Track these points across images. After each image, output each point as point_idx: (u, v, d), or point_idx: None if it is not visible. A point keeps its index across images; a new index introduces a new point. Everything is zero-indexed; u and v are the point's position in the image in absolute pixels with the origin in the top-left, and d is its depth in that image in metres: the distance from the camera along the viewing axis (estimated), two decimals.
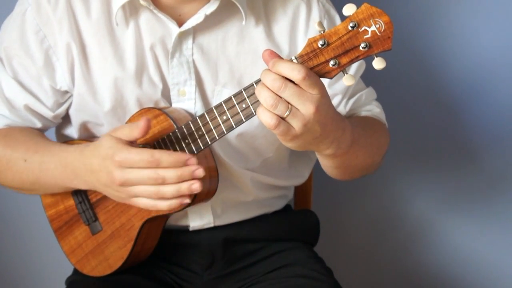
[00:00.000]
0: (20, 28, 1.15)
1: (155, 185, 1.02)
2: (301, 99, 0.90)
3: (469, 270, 1.73)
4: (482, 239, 1.71)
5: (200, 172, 1.00)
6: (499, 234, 1.70)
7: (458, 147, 1.66)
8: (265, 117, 0.91)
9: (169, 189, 1.02)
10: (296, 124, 0.92)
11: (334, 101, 1.19)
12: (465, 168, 1.67)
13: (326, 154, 1.01)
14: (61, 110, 1.20)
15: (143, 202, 1.05)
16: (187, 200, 1.03)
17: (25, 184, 1.18)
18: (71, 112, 1.21)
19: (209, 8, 1.10)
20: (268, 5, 1.15)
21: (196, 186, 1.01)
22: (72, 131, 1.25)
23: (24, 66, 1.16)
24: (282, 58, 0.92)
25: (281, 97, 0.90)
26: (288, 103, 0.91)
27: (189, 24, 1.11)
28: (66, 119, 1.24)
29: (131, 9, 1.13)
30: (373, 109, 1.24)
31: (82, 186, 1.12)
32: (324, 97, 0.92)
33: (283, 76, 0.91)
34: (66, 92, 1.18)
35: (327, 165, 1.10)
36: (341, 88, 1.18)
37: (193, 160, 1.00)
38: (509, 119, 1.62)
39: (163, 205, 1.04)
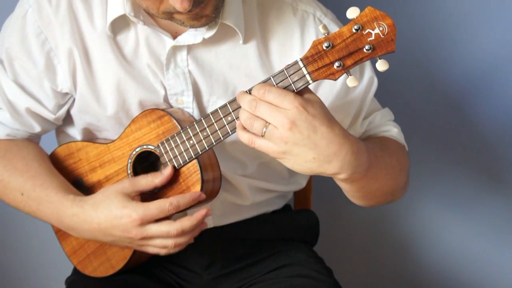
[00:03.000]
0: (21, 30, 1.14)
1: (172, 239, 1.07)
2: (274, 115, 0.91)
3: (467, 270, 1.74)
4: (481, 240, 1.72)
5: (209, 212, 1.08)
6: (498, 235, 1.71)
7: (457, 148, 1.66)
8: (241, 136, 0.96)
9: (184, 239, 1.08)
10: (275, 141, 0.93)
11: (346, 120, 1.17)
12: (465, 168, 1.68)
13: (339, 178, 0.98)
14: (62, 111, 1.20)
15: (154, 250, 1.10)
16: (192, 241, 1.11)
17: (22, 211, 1.19)
18: (73, 113, 1.20)
19: (208, 32, 1.09)
20: (262, 23, 1.14)
21: (205, 226, 1.10)
22: (74, 132, 1.25)
23: (25, 68, 1.16)
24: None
25: (257, 116, 0.92)
26: (266, 121, 0.92)
27: (184, 40, 1.10)
28: (68, 119, 1.23)
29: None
30: (391, 130, 1.20)
31: (77, 236, 1.15)
32: (303, 114, 0.91)
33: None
34: (66, 94, 1.18)
35: (346, 189, 1.06)
36: (350, 103, 1.16)
37: (203, 195, 1.07)
38: (510, 120, 1.62)
39: (175, 250, 1.09)
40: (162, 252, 1.09)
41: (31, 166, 1.17)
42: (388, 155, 1.09)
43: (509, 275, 1.73)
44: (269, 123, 0.92)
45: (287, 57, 1.13)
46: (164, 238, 1.07)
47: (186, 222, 1.06)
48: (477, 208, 1.70)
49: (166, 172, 1.08)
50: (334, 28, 1.15)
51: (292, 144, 0.92)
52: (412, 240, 1.74)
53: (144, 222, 1.06)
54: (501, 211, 1.69)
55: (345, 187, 1.05)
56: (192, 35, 1.10)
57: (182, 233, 1.06)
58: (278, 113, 0.91)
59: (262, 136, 0.93)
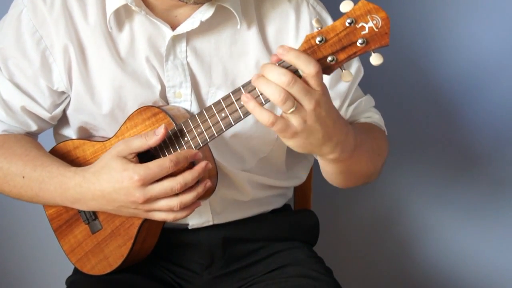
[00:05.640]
0: (16, 30, 1.14)
1: (176, 197, 1.05)
2: (306, 95, 0.90)
3: (467, 270, 1.73)
4: (481, 239, 1.71)
5: (209, 165, 1.05)
6: (497, 235, 1.70)
7: (456, 148, 1.66)
8: (262, 115, 0.91)
9: (189, 197, 1.05)
10: (296, 120, 0.92)
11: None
12: (464, 168, 1.68)
13: (330, 158, 1.00)
14: (58, 111, 1.20)
15: (161, 216, 1.07)
16: (200, 203, 1.08)
17: (23, 197, 1.18)
18: (68, 112, 1.21)
19: (205, 14, 1.10)
20: (259, 9, 1.15)
21: (209, 184, 1.07)
22: (70, 132, 1.25)
23: (20, 67, 1.16)
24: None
25: (290, 93, 0.90)
26: (294, 98, 0.90)
27: (183, 28, 1.11)
28: (63, 119, 1.24)
29: (126, 12, 1.13)
30: (373, 116, 1.24)
31: (83, 208, 1.13)
32: (325, 96, 0.92)
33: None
34: (63, 92, 1.18)
35: (331, 171, 1.09)
36: (340, 91, 1.18)
37: (200, 153, 1.05)
38: (508, 119, 1.62)
39: (182, 215, 1.07)
40: (170, 217, 1.06)
41: (30, 151, 1.17)
42: (370, 139, 1.13)
43: (509, 275, 1.72)
44: (298, 102, 0.90)
45: (284, 42, 1.14)
46: (169, 198, 1.04)
47: (188, 175, 1.03)
48: (477, 208, 1.70)
49: (159, 132, 1.04)
50: (326, 16, 1.17)
51: (311, 123, 0.92)
52: (412, 240, 1.74)
53: (146, 182, 1.03)
54: (501, 211, 1.69)
55: (330, 168, 1.07)
56: (190, 22, 1.11)
57: (185, 186, 1.03)
58: (310, 94, 0.90)
59: (288, 114, 0.91)
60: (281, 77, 0.89)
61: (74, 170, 1.12)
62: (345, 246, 1.76)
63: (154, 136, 1.04)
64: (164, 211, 1.06)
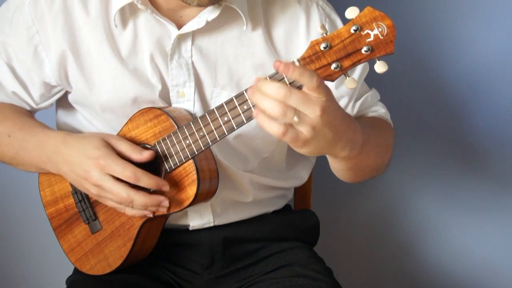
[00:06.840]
0: (16, 21, 1.16)
1: (123, 206, 1.10)
2: (307, 104, 0.88)
3: (468, 270, 1.74)
4: (482, 239, 1.71)
5: (166, 204, 1.09)
6: (499, 234, 1.70)
7: (458, 148, 1.66)
8: (271, 127, 0.89)
9: (133, 211, 1.12)
10: (305, 129, 0.90)
11: (341, 103, 1.19)
12: (465, 168, 1.68)
13: (340, 156, 0.99)
14: (46, 104, 1.24)
15: (110, 204, 1.12)
16: (150, 215, 1.12)
17: (6, 157, 1.21)
18: (71, 101, 1.22)
19: (211, 14, 1.10)
20: (267, 10, 1.15)
21: (162, 210, 1.11)
22: (73, 120, 1.25)
23: (17, 56, 1.18)
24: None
25: (289, 105, 0.88)
26: (294, 109, 0.88)
27: (189, 27, 1.11)
28: (67, 108, 1.25)
29: (131, 10, 1.13)
30: (379, 110, 1.25)
31: (53, 171, 1.16)
32: (330, 101, 0.90)
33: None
34: (54, 86, 1.20)
35: (340, 168, 1.09)
36: (347, 90, 1.18)
37: (167, 187, 1.08)
38: (509, 120, 1.62)
39: (128, 212, 1.12)
40: (117, 207, 1.11)
41: (22, 117, 1.21)
42: (377, 134, 1.14)
43: (510, 275, 1.72)
44: (299, 111, 0.89)
45: (293, 44, 1.15)
46: (116, 201, 1.09)
47: (140, 197, 1.08)
48: (478, 208, 1.70)
49: (145, 154, 1.08)
50: (335, 18, 1.18)
51: (320, 128, 0.90)
52: (412, 240, 1.74)
53: (104, 170, 1.07)
54: (504, 211, 1.69)
55: (339, 166, 1.08)
56: (196, 22, 1.11)
57: (130, 204, 1.08)
58: (311, 102, 0.88)
59: (291, 124, 0.89)
60: (277, 91, 0.87)
61: (58, 131, 1.16)
62: (345, 246, 1.76)
63: (139, 155, 1.08)
64: (111, 201, 1.11)
